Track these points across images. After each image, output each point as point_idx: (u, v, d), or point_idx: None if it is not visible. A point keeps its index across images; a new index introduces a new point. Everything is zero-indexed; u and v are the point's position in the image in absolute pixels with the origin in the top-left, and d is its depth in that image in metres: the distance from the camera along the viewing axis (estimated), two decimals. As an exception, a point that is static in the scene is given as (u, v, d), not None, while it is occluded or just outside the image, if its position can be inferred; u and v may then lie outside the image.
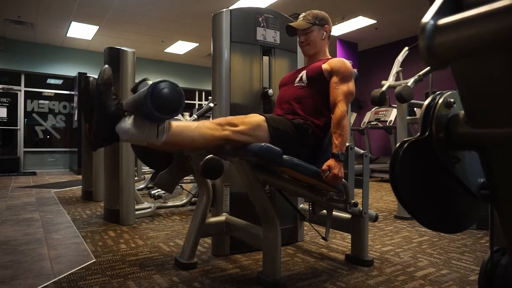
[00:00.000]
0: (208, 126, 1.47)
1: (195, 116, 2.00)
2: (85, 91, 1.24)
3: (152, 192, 3.58)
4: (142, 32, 7.39)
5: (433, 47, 0.49)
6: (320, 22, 1.85)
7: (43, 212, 3.38)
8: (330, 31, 1.90)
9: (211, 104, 2.10)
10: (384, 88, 3.27)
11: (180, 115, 1.97)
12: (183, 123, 1.43)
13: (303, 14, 1.88)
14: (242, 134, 1.50)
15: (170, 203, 3.65)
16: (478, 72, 0.55)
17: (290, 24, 1.87)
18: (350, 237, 2.07)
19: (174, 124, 1.37)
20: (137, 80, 1.86)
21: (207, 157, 1.36)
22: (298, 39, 1.93)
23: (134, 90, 1.58)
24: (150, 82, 1.50)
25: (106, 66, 1.28)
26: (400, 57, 3.95)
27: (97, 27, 7.07)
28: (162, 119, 1.28)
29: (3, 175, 7.05)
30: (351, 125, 6.03)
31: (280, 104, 1.83)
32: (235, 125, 1.50)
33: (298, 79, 1.82)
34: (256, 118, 1.58)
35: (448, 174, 0.76)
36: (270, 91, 2.19)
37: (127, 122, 1.25)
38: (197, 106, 10.00)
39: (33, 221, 2.96)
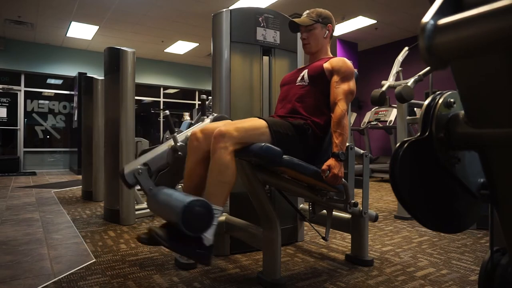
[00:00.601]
0: (219, 158, 1.43)
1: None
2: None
3: (152, 192, 3.58)
4: (142, 32, 7.39)
5: (433, 47, 0.49)
6: (323, 21, 1.85)
7: (43, 212, 3.38)
8: (333, 31, 1.90)
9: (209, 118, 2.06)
10: (384, 88, 3.27)
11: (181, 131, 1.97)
12: (208, 184, 1.45)
13: (307, 11, 1.88)
14: (245, 141, 1.48)
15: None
16: (478, 72, 0.55)
17: (293, 19, 1.86)
18: (350, 237, 2.07)
19: (210, 198, 1.41)
20: (137, 80, 1.86)
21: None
22: (300, 36, 1.92)
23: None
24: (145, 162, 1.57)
25: (154, 228, 1.38)
26: (400, 57, 3.95)
27: (97, 27, 7.07)
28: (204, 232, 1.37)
29: (3, 175, 7.05)
30: (351, 125, 6.03)
31: (282, 104, 1.83)
32: (236, 133, 1.46)
33: (299, 78, 1.82)
34: (257, 123, 1.57)
35: (448, 174, 0.76)
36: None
37: (206, 237, 1.37)
38: (197, 106, 10.00)
39: (33, 221, 2.96)
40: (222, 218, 2.07)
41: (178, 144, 1.74)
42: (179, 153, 1.73)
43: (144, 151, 1.85)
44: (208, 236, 1.36)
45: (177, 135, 1.82)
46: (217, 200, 1.42)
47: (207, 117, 2.04)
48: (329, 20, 1.87)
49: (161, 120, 9.69)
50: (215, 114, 2.00)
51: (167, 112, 1.83)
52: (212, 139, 1.48)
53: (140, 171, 1.61)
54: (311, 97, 1.74)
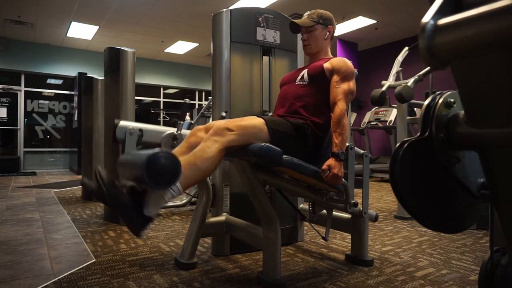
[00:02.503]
0: (207, 146, 1.42)
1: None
2: (99, 196, 1.31)
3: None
4: (142, 32, 7.39)
5: (433, 47, 0.49)
6: (324, 22, 1.85)
7: (43, 212, 3.38)
8: (333, 32, 1.90)
9: (223, 113, 2.02)
10: (384, 88, 3.27)
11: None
12: (184, 162, 1.36)
13: (308, 12, 1.88)
14: (242, 139, 1.48)
15: (170, 203, 3.64)
16: (478, 72, 0.55)
17: (294, 20, 1.86)
18: (350, 237, 2.07)
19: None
20: (137, 80, 1.85)
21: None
22: (301, 37, 1.92)
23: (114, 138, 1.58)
24: (123, 125, 1.49)
25: (98, 168, 1.28)
26: (400, 57, 3.95)
27: (97, 27, 7.06)
28: (167, 188, 1.29)
29: (3, 175, 7.05)
30: (351, 125, 6.03)
31: (282, 103, 1.83)
32: (233, 130, 1.47)
33: (299, 77, 1.82)
34: (255, 121, 1.57)
35: (448, 174, 0.76)
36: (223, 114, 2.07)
37: (149, 203, 1.27)
38: (197, 106, 10.00)
39: (33, 221, 2.96)
40: (222, 218, 2.07)
41: (178, 132, 1.73)
42: (175, 142, 1.72)
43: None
44: (151, 207, 1.27)
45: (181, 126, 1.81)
46: (183, 181, 1.33)
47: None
48: (329, 22, 1.87)
49: (161, 120, 9.69)
50: (223, 113, 1.99)
51: (187, 100, 1.82)
52: (210, 131, 1.48)
53: (132, 131, 1.56)
54: (310, 96, 1.74)
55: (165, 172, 1.20)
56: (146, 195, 1.28)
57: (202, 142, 1.47)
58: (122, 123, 1.60)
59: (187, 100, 1.78)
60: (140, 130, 1.62)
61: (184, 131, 1.86)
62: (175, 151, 1.59)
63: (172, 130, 1.77)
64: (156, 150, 1.21)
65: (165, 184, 1.24)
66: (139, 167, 1.17)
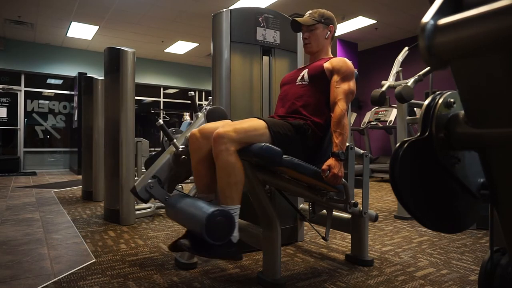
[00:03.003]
0: (224, 160, 1.44)
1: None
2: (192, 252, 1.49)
3: (152, 192, 3.57)
4: (142, 32, 7.39)
5: (433, 47, 0.49)
6: (325, 21, 1.86)
7: (43, 212, 3.38)
8: (334, 32, 1.90)
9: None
10: (384, 88, 3.27)
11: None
12: (220, 187, 1.49)
13: (310, 11, 1.89)
14: (244, 142, 1.48)
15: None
16: (478, 72, 0.55)
17: (295, 19, 1.86)
18: (350, 237, 2.07)
19: (226, 201, 1.47)
20: (137, 80, 1.85)
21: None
22: (302, 36, 1.92)
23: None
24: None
25: (181, 242, 1.41)
26: (400, 57, 3.95)
27: (97, 27, 7.07)
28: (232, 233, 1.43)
29: (3, 175, 7.05)
30: (351, 125, 6.03)
31: (282, 103, 1.83)
32: (235, 134, 1.46)
33: (299, 77, 1.82)
34: (256, 124, 1.57)
35: (448, 174, 0.76)
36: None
37: (233, 235, 1.42)
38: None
39: (33, 221, 2.96)
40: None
41: (179, 149, 1.75)
42: (183, 157, 1.74)
43: (148, 162, 1.86)
44: (235, 234, 1.42)
45: (176, 140, 1.83)
46: (233, 201, 1.46)
47: (201, 112, 2.06)
48: (331, 21, 1.88)
49: (161, 120, 9.68)
50: (208, 107, 2.01)
51: (161, 121, 1.82)
52: (212, 142, 1.48)
53: (151, 185, 1.65)
54: (311, 96, 1.74)
55: (223, 230, 1.36)
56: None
57: (215, 158, 1.48)
58: (137, 186, 1.66)
59: (160, 121, 1.79)
60: (154, 176, 1.69)
61: (183, 136, 1.88)
62: (194, 169, 1.65)
63: (171, 149, 1.80)
64: (211, 210, 1.34)
65: (224, 239, 1.37)
66: (198, 228, 1.33)
